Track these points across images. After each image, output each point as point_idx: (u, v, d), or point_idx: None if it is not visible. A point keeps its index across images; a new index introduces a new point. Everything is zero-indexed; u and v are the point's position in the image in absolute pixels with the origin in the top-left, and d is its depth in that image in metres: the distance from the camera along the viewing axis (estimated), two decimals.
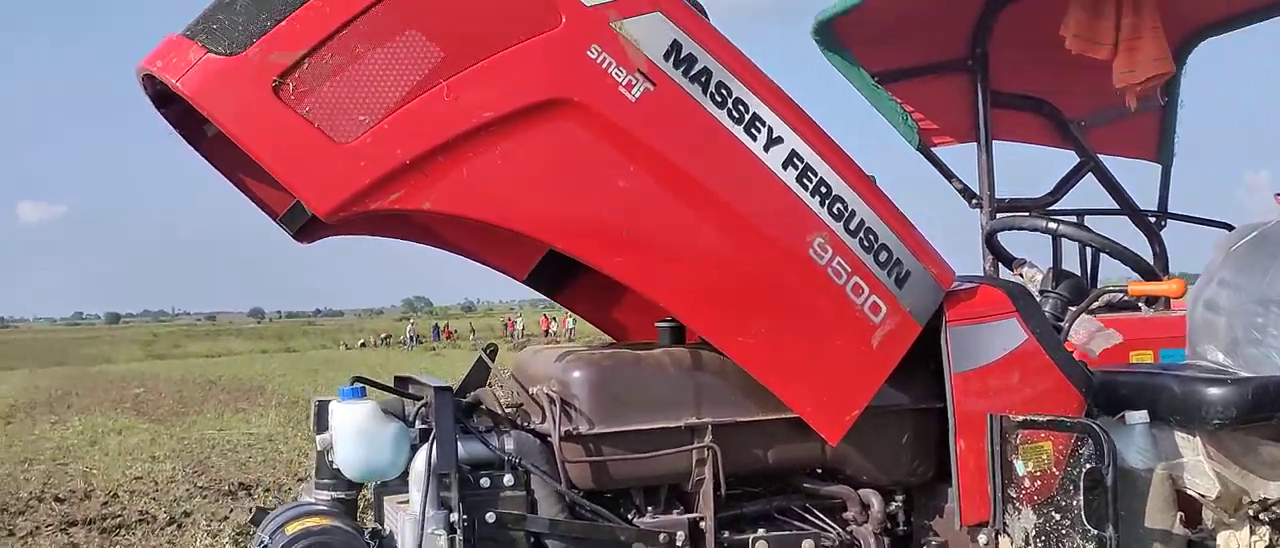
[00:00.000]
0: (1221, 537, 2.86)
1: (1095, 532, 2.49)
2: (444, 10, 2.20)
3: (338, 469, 2.41)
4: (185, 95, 2.10)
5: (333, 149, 2.12)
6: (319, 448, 2.43)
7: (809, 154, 2.44)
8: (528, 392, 2.58)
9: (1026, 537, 2.59)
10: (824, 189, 2.46)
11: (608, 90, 2.28)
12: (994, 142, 4.45)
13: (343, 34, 2.13)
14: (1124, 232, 4.69)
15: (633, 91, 2.29)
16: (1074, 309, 3.01)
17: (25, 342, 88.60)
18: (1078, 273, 4.14)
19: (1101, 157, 4.65)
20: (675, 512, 2.56)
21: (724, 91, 2.37)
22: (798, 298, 2.47)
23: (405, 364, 31.88)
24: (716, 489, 2.53)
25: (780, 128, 2.42)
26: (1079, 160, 4.63)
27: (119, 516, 8.26)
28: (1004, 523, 2.64)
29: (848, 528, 2.71)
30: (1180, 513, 2.76)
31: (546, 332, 47.34)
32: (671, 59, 2.32)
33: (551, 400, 2.44)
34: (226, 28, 2.13)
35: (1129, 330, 3.42)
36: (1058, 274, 3.16)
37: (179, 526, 7.80)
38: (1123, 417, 2.83)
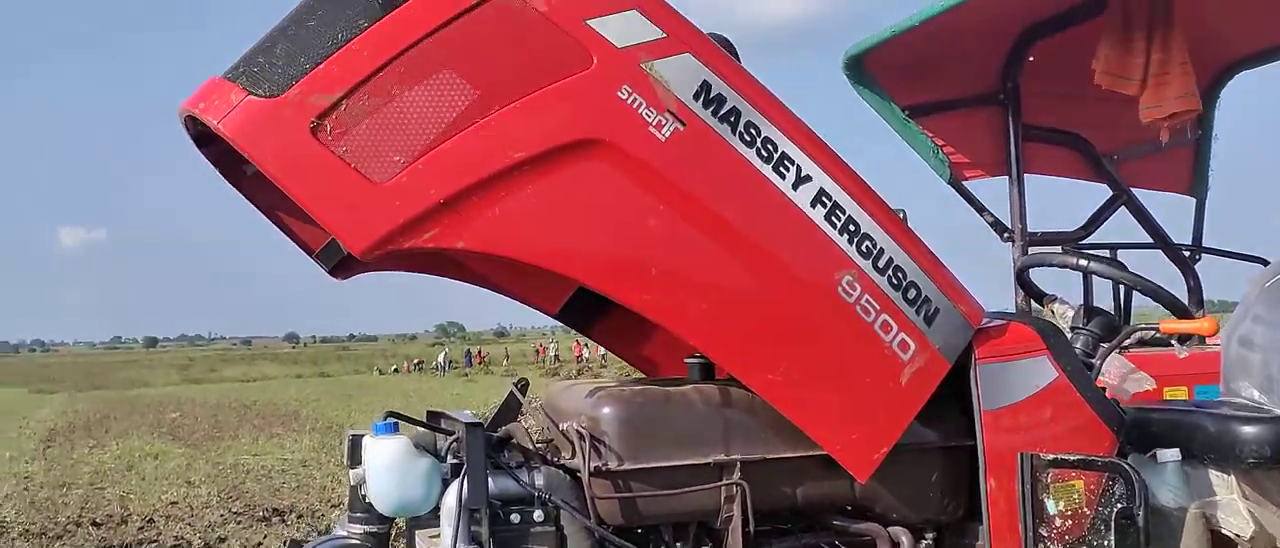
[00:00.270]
0: None
1: None
2: (477, 52, 2.24)
3: (370, 503, 2.44)
4: (226, 136, 2.15)
5: (369, 188, 2.16)
6: (352, 482, 2.46)
7: (837, 192, 2.46)
8: (558, 427, 2.61)
9: None
10: (852, 227, 2.48)
11: (638, 130, 2.31)
12: (1026, 175, 4.44)
13: (379, 76, 2.18)
14: (1158, 266, 4.66)
15: (663, 131, 2.32)
16: (1105, 347, 2.99)
17: (65, 365, 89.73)
18: (1110, 307, 4.12)
19: (1135, 190, 4.63)
20: None
21: (753, 131, 2.40)
22: (826, 335, 2.48)
23: (438, 390, 32.02)
24: (745, 527, 2.53)
25: (808, 166, 2.44)
26: (1112, 194, 4.61)
27: (155, 541, 8.36)
28: None
29: None
30: None
31: (579, 357, 47.41)
32: (701, 99, 2.35)
33: (581, 437, 2.45)
34: (267, 70, 2.18)
35: (1163, 366, 3.40)
36: (1089, 311, 3.15)
37: None
38: (1155, 455, 2.81)
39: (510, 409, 2.72)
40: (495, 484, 2.41)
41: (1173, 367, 3.58)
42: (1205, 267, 4.75)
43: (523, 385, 2.78)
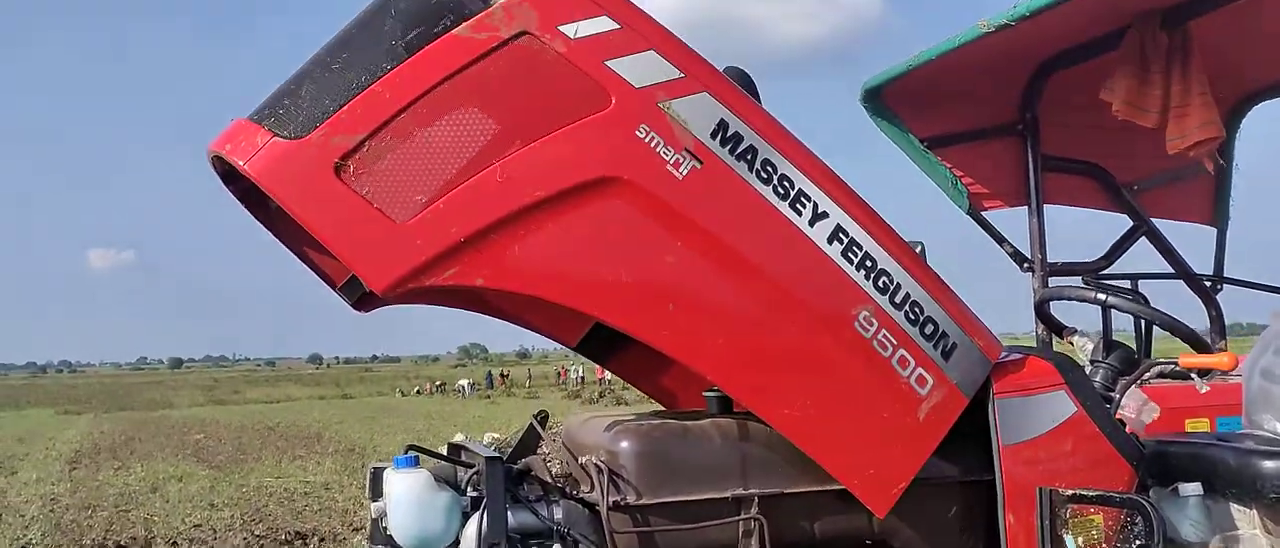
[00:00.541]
0: None
1: None
2: (498, 93, 2.28)
3: (391, 536, 2.47)
4: (252, 177, 2.20)
5: (391, 228, 2.20)
6: (373, 515, 2.49)
7: (853, 229, 2.48)
8: (577, 460, 2.63)
9: None
10: (869, 263, 2.49)
11: (656, 169, 2.34)
12: (1045, 205, 4.44)
13: (401, 118, 2.22)
14: (1180, 296, 4.64)
15: (680, 170, 2.35)
16: (1125, 380, 2.99)
17: (91, 386, 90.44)
18: (1131, 337, 4.11)
19: (1155, 220, 4.62)
20: None
21: (769, 168, 2.42)
22: (843, 370, 2.50)
23: (459, 411, 32.07)
24: None
25: (825, 203, 2.46)
26: (1132, 224, 4.60)
27: None
28: None
29: None
30: None
31: (602, 380, 47.50)
32: (718, 137, 2.38)
33: (600, 470, 2.47)
34: (292, 112, 2.22)
35: (1184, 398, 3.39)
36: (1108, 344, 3.15)
37: None
38: (1176, 488, 2.80)
39: (530, 442, 2.74)
40: (515, 518, 2.43)
41: (1194, 398, 3.57)
42: (1230, 290, 4.73)
43: (542, 418, 2.80)
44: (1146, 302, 3.56)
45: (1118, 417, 2.89)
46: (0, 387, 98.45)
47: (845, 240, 2.48)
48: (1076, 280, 4.45)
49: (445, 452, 2.66)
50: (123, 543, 9.54)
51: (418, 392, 56.81)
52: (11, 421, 38.44)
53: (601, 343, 3.05)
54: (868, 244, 2.50)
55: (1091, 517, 2.60)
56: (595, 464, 2.49)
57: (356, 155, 2.19)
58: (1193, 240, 4.78)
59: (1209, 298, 4.64)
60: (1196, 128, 3.62)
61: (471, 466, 2.54)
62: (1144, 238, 4.62)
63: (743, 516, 2.53)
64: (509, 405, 34.63)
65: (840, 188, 2.50)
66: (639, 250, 2.36)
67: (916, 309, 2.53)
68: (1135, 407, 2.89)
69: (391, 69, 2.23)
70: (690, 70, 2.38)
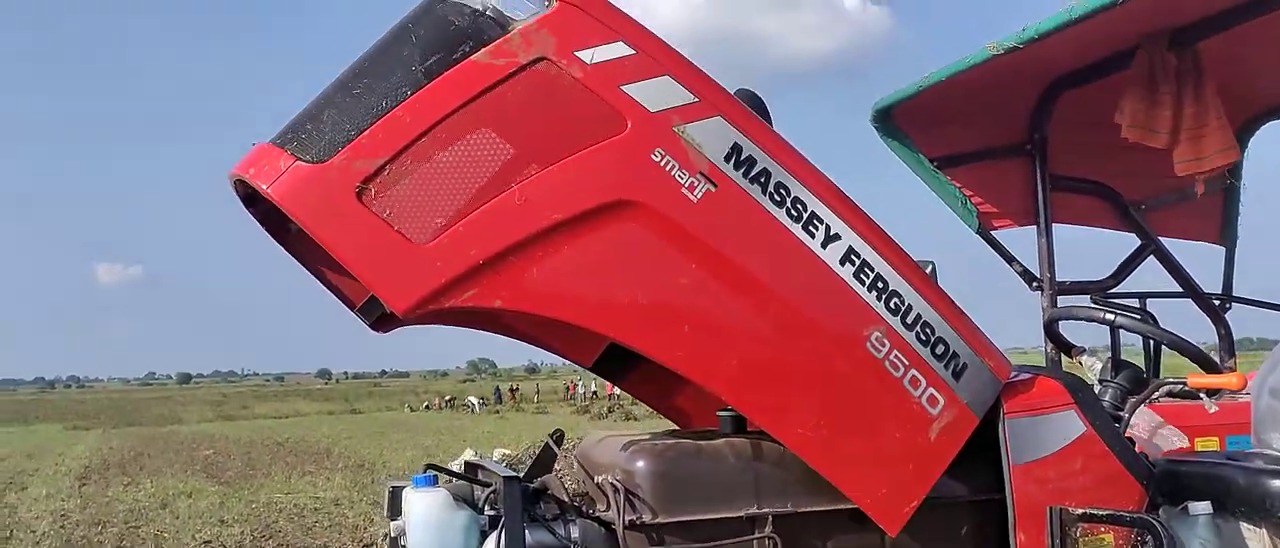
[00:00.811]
0: None
1: None
2: (516, 118, 2.31)
3: None
4: (275, 201, 2.23)
5: (411, 250, 2.23)
6: (392, 534, 2.52)
7: (865, 250, 2.52)
8: (593, 480, 2.66)
9: None
10: (881, 284, 2.53)
11: (671, 192, 2.37)
12: (1054, 224, 4.47)
13: (421, 142, 2.25)
14: (1189, 315, 4.66)
15: (695, 193, 2.39)
16: (1134, 400, 3.01)
17: (99, 401, 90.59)
18: (1140, 356, 4.13)
19: (1163, 239, 4.65)
20: None
21: (782, 191, 2.46)
22: (855, 390, 2.53)
23: (469, 426, 32.08)
24: None
25: (837, 225, 2.49)
26: (1140, 243, 4.63)
27: None
28: None
29: None
30: None
31: (611, 395, 47.56)
32: (732, 161, 2.42)
33: (616, 490, 2.50)
34: (314, 137, 2.26)
35: (1194, 417, 3.41)
36: (1117, 364, 3.17)
37: None
38: (1186, 507, 2.82)
39: (546, 460, 2.77)
40: (532, 537, 2.46)
41: (1204, 417, 3.59)
42: (1239, 305, 4.75)
43: (558, 437, 2.83)
44: (1155, 321, 3.59)
45: (1127, 436, 2.91)
46: (8, 402, 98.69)
47: (857, 262, 2.51)
48: (1085, 299, 4.48)
49: (458, 469, 2.69)
50: None
51: (426, 407, 56.78)
52: (20, 436, 38.55)
53: (616, 362, 3.08)
54: (879, 266, 2.53)
55: (1102, 536, 2.62)
56: (611, 484, 2.52)
57: (377, 179, 2.23)
58: (1201, 258, 4.81)
59: (1217, 317, 4.67)
60: (1215, 153, 3.64)
61: (488, 484, 2.57)
62: (1152, 256, 4.65)
63: (757, 534, 2.56)
64: (518, 421, 34.63)
65: (852, 210, 2.54)
66: (654, 272, 2.39)
67: (928, 330, 2.56)
68: (1148, 428, 2.92)
69: (412, 94, 2.26)
70: (704, 95, 2.42)
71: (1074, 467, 2.70)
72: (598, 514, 2.56)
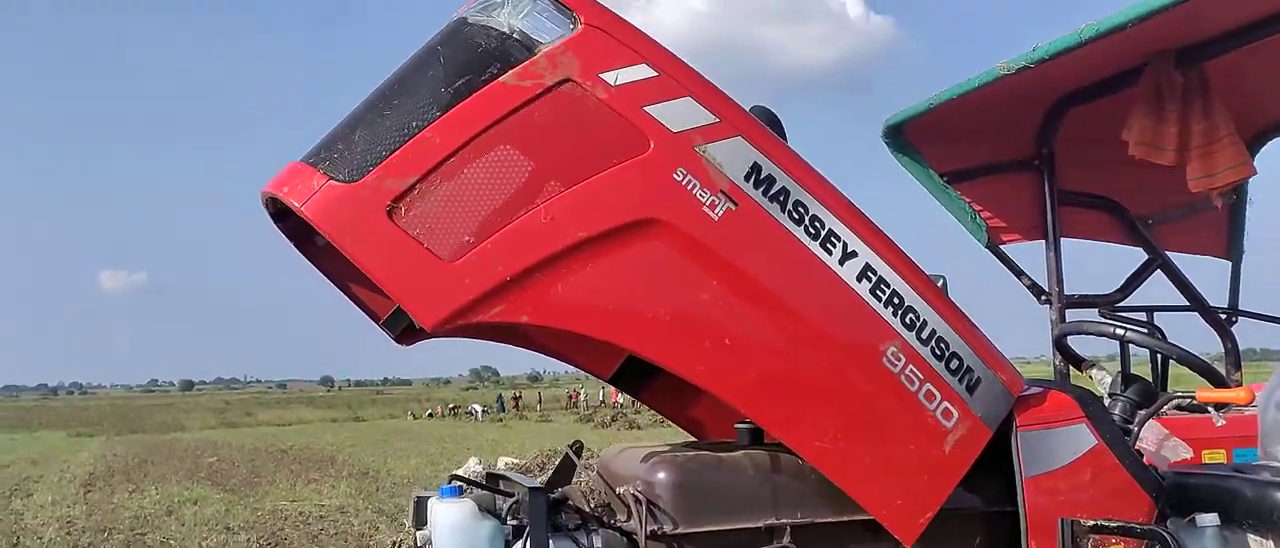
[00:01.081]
0: None
1: None
2: (542, 138, 2.37)
3: None
4: (308, 219, 2.29)
5: (440, 267, 2.29)
6: (418, 543, 2.58)
7: (881, 267, 2.57)
8: (614, 490, 2.71)
9: None
10: (897, 300, 2.58)
11: (692, 210, 2.43)
12: (1062, 238, 4.52)
13: (450, 161, 2.31)
14: (1196, 328, 4.71)
15: (716, 211, 2.44)
16: (1143, 413, 3.06)
17: (103, 408, 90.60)
18: (1149, 372, 4.18)
19: (1170, 253, 4.69)
20: None
21: (801, 209, 2.51)
22: (872, 403, 2.58)
23: (473, 435, 32.08)
24: None
25: (854, 242, 2.55)
26: (1147, 257, 4.67)
27: None
28: None
29: None
30: None
31: (615, 404, 47.62)
32: (752, 180, 2.47)
33: (638, 500, 2.55)
34: (346, 157, 2.32)
35: (1201, 430, 3.45)
36: (1126, 378, 3.22)
37: None
38: (1194, 519, 2.86)
39: (567, 471, 2.82)
40: (555, 546, 2.51)
41: (1211, 430, 3.64)
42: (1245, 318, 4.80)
43: (578, 448, 2.88)
44: (1163, 335, 3.63)
45: (1137, 448, 2.96)
46: (12, 408, 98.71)
47: (873, 278, 2.56)
48: (1093, 312, 4.53)
49: (463, 475, 2.74)
50: None
51: (429, 415, 56.78)
52: (25, 443, 38.61)
53: (634, 375, 3.14)
54: (895, 282, 2.58)
55: (1113, 547, 2.67)
56: (633, 494, 2.57)
57: (408, 197, 2.28)
58: (1207, 272, 4.86)
59: (1224, 330, 4.71)
60: (1227, 169, 3.68)
61: (511, 495, 2.63)
62: (1159, 270, 4.69)
63: (775, 545, 2.61)
64: (522, 429, 34.63)
65: (867, 227, 2.59)
66: (676, 288, 2.45)
67: (942, 345, 2.61)
68: (1156, 441, 2.97)
69: (441, 115, 2.32)
70: (725, 115, 2.48)
71: (1084, 479, 2.75)
72: (619, 525, 2.61)
